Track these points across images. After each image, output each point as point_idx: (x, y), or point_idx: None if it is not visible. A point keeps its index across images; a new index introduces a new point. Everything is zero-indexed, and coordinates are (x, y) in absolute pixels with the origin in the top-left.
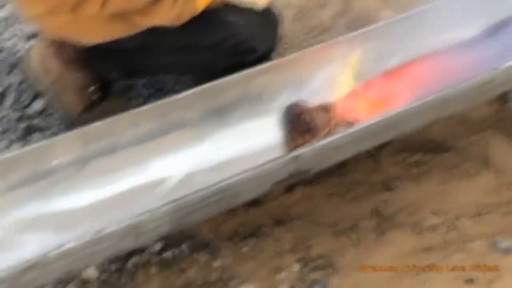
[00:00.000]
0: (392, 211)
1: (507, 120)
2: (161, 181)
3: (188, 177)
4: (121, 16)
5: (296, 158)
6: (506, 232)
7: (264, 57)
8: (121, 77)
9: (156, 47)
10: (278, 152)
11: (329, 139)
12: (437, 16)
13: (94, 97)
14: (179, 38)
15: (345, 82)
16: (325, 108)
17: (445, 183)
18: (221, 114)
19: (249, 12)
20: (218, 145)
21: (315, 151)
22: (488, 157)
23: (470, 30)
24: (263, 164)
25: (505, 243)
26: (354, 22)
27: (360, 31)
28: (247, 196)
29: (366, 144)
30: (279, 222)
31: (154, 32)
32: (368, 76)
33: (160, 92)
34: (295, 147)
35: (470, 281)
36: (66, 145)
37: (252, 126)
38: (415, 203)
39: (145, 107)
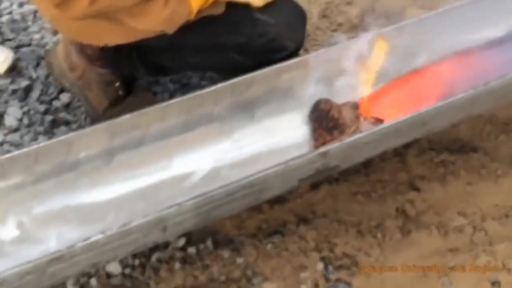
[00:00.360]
0: (418, 211)
1: None
2: (187, 176)
3: (214, 172)
4: (111, 18)
5: (324, 154)
6: None
7: (293, 54)
8: (146, 75)
9: (183, 46)
10: (305, 148)
11: (358, 135)
12: (465, 14)
13: (120, 92)
14: (207, 38)
15: (373, 79)
16: (354, 105)
17: (472, 184)
18: (248, 109)
19: (278, 10)
20: (245, 140)
21: (344, 147)
22: None
23: (498, 29)
24: (290, 160)
25: None
26: (382, 19)
27: (388, 28)
28: (273, 192)
29: (395, 142)
30: (303, 219)
31: (181, 31)
32: (396, 74)
33: (186, 87)
34: (323, 143)
35: (496, 283)
36: (93, 138)
37: (280, 121)
38: (441, 203)
39: (172, 101)
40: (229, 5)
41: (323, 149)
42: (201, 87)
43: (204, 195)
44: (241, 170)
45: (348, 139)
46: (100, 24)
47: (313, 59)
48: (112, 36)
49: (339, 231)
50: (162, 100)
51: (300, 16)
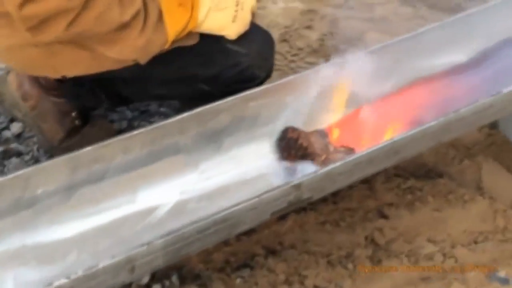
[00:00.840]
0: (388, 239)
1: (497, 145)
2: (153, 210)
3: (181, 205)
4: (82, 45)
5: (298, 186)
6: (503, 261)
7: (262, 82)
8: (109, 105)
9: (152, 78)
10: (273, 179)
11: (332, 166)
12: (430, 40)
13: (76, 122)
14: (177, 69)
15: (341, 106)
16: (322, 133)
17: (440, 210)
18: (215, 139)
19: (249, 39)
20: (212, 171)
21: (317, 179)
22: (482, 182)
23: (463, 53)
24: (263, 193)
25: (502, 273)
26: (342, 43)
27: (354, 54)
28: (245, 226)
29: (368, 171)
30: (272, 251)
31: (150, 62)
32: (364, 101)
33: (144, 114)
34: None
35: None
36: (52, 173)
37: (248, 151)
38: (410, 230)
39: (135, 132)
40: (201, 36)
41: (296, 181)
42: (160, 114)
43: (174, 232)
44: (208, 203)
45: (321, 170)
46: (63, 53)
47: (281, 87)
48: (73, 67)
49: (309, 263)
50: (120, 128)
51: (270, 43)
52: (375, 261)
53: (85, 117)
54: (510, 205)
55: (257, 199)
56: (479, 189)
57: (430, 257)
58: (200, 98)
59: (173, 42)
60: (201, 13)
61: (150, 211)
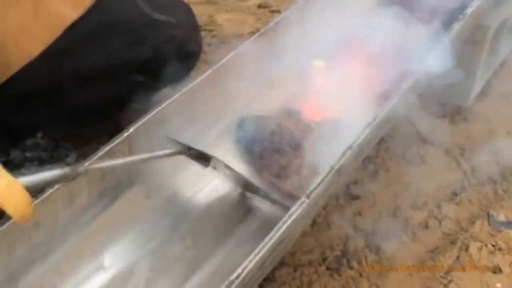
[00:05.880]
0: (371, 220)
1: None
2: (132, 269)
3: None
4: None
5: (339, 171)
6: (490, 204)
7: (196, 61)
8: None
9: (69, 81)
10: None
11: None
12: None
13: None
14: (103, 58)
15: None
16: (291, 112)
17: (405, 172)
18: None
19: (172, 5)
20: None
21: (355, 151)
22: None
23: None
24: (312, 191)
25: (501, 217)
26: None
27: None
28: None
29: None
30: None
31: (60, 54)
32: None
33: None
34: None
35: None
36: None
37: (196, 173)
38: (389, 204)
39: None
40: (122, 8)
41: (336, 166)
42: (30, 159)
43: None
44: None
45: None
46: None
47: (201, 84)
48: None
49: (310, 276)
50: None
51: (192, 11)
52: (373, 249)
53: None
54: (458, 147)
55: (306, 201)
56: (422, 140)
57: (425, 226)
58: (129, 97)
59: None
60: None
61: (129, 271)
